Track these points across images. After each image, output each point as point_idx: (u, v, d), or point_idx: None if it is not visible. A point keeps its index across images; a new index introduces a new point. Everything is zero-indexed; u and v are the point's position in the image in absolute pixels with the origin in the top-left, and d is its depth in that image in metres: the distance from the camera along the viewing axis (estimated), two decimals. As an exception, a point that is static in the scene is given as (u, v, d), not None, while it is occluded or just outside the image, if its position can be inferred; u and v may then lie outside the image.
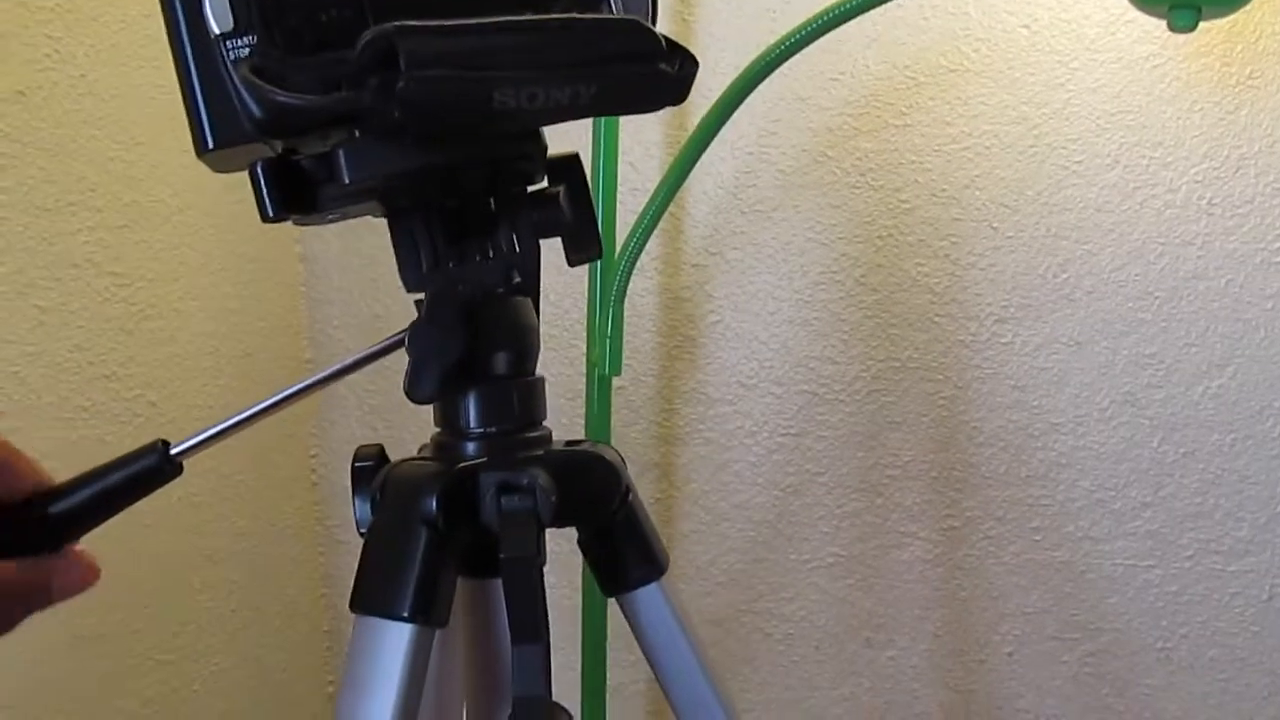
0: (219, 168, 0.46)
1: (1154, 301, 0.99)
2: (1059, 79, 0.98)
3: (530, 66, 0.41)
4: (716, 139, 0.92)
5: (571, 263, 0.51)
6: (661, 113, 1.05)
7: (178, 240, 1.02)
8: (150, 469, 0.47)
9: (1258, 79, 0.94)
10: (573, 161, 0.50)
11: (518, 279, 0.49)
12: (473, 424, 0.49)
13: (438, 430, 0.51)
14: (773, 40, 0.87)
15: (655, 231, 0.98)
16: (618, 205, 1.01)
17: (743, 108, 0.91)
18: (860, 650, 1.08)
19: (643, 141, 1.07)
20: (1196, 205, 0.97)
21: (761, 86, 0.90)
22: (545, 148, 0.49)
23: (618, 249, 0.97)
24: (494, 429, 0.49)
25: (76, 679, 0.94)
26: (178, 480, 1.07)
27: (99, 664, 0.96)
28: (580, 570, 1.01)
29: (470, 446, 0.49)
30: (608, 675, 1.03)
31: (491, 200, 0.49)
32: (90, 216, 0.94)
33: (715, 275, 1.07)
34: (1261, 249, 0.96)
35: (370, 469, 0.51)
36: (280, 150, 0.44)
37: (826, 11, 0.82)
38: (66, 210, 0.92)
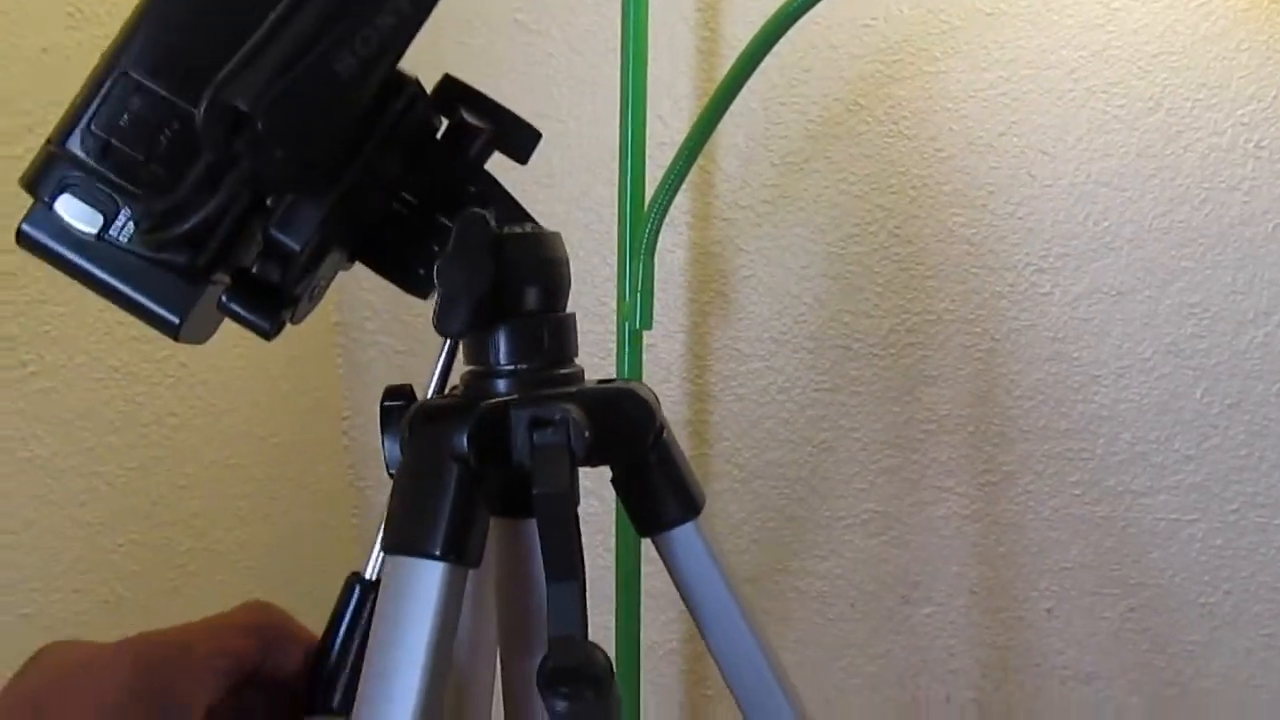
0: (199, 336, 0.46)
1: (1198, 249, 0.96)
2: (1098, 20, 0.95)
3: (342, 18, 0.40)
4: (746, 89, 0.90)
5: (521, 160, 0.49)
6: (690, 65, 1.03)
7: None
8: (360, 600, 0.49)
9: (1307, 15, 0.91)
10: (449, 83, 0.49)
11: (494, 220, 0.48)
12: (503, 360, 0.48)
13: (467, 370, 0.50)
14: (803, -17, 0.85)
15: (685, 185, 0.97)
16: (646, 159, 0.99)
17: (772, 57, 0.89)
18: (897, 607, 1.07)
19: (672, 95, 1.05)
20: (1243, 148, 0.94)
21: (791, 34, 0.87)
22: (416, 92, 0.47)
23: (647, 201, 0.95)
24: (524, 365, 0.48)
25: (106, 638, 0.94)
26: (211, 441, 1.07)
27: (131, 626, 0.96)
28: (612, 528, 1.00)
29: (501, 383, 0.48)
30: (643, 633, 1.02)
31: (441, 173, 0.48)
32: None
33: (746, 229, 1.05)
34: (1311, 192, 0.93)
35: (399, 408, 0.49)
36: (230, 277, 0.44)
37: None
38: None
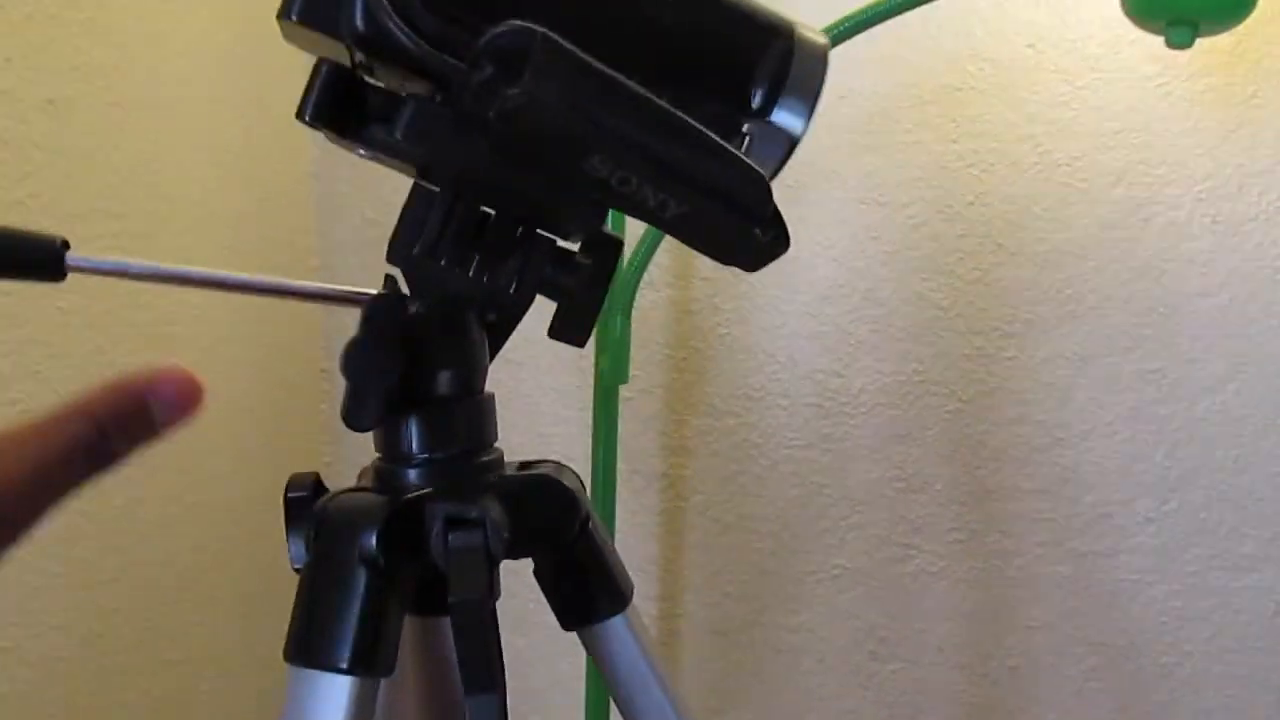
0: (290, 37, 0.42)
1: (1158, 317, 0.99)
2: (1063, 97, 1.00)
3: (639, 153, 0.39)
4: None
5: (552, 334, 0.47)
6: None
7: (200, 247, 1.05)
8: (39, 258, 0.41)
9: (1260, 98, 0.95)
10: (613, 244, 0.47)
11: (492, 317, 0.46)
12: (415, 449, 0.45)
13: (377, 457, 0.47)
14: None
15: (665, 245, 1.00)
16: (626, 220, 1.03)
17: (751, 123, 0.93)
18: (865, 663, 1.09)
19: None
20: (1200, 223, 0.98)
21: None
22: (604, 219, 0.47)
23: (625, 259, 0.98)
24: (439, 454, 0.45)
25: (86, 675, 0.95)
26: (196, 482, 1.08)
27: (108, 660, 0.97)
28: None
29: (413, 474, 0.45)
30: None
31: (519, 230, 0.46)
32: (114, 223, 0.96)
33: (724, 289, 1.08)
34: (1265, 266, 0.97)
35: (305, 499, 0.46)
36: (355, 63, 0.41)
37: (828, 29, 0.84)
38: (92, 216, 0.94)
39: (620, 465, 1.02)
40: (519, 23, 0.37)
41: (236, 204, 1.10)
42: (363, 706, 0.42)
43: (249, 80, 1.11)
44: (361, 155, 0.44)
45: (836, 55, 0.91)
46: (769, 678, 1.11)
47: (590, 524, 0.49)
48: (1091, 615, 1.03)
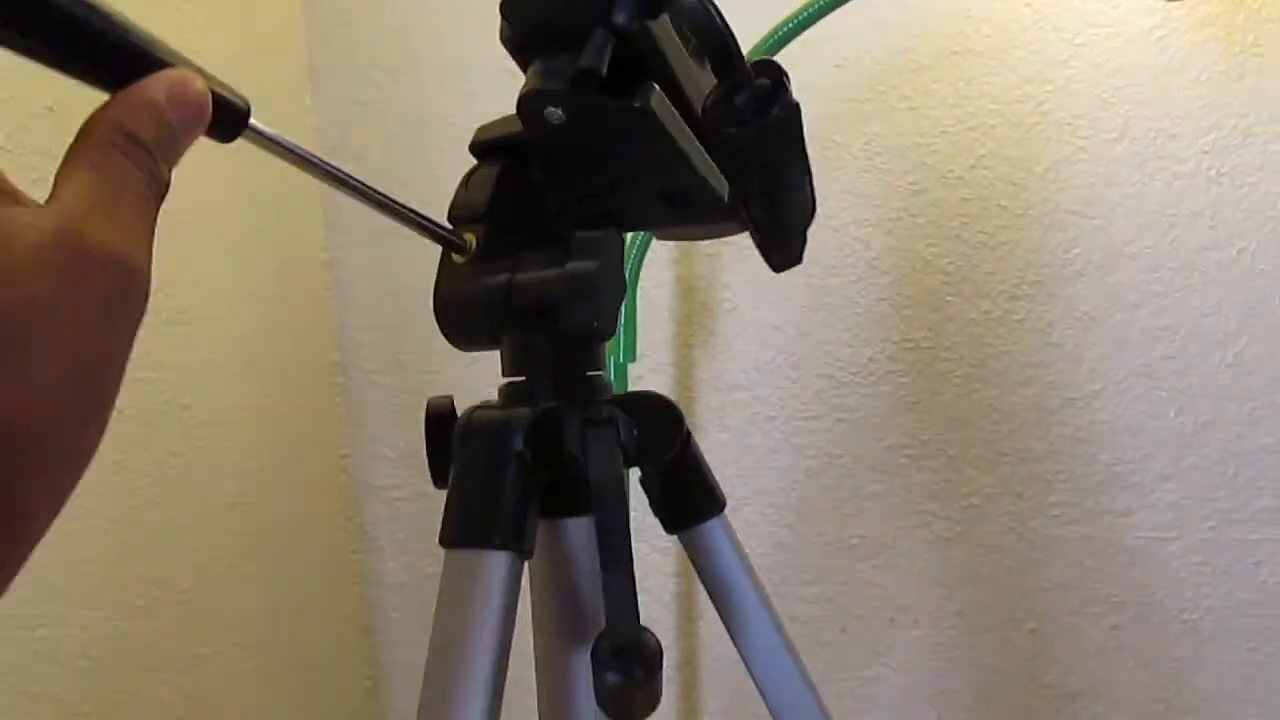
0: None
1: (1166, 273, 0.99)
2: (1062, 56, 0.99)
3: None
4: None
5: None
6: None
7: (204, 247, 1.06)
8: (223, 116, 0.39)
9: (1261, 47, 0.94)
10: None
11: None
12: (548, 369, 0.51)
13: (508, 381, 0.53)
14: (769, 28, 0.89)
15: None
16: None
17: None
18: (885, 631, 1.09)
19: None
20: (1205, 175, 0.97)
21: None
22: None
23: (628, 239, 0.99)
24: (569, 372, 0.52)
25: (117, 672, 0.97)
26: (212, 479, 1.09)
27: (138, 658, 0.99)
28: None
29: (546, 391, 0.51)
30: None
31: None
32: (120, 226, 0.97)
33: (729, 264, 1.08)
34: (1272, 217, 0.96)
35: (446, 417, 0.52)
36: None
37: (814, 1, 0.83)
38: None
39: (632, 444, 1.02)
40: (766, 59, 0.50)
41: (242, 198, 1.10)
42: (513, 581, 0.48)
43: (251, 77, 1.11)
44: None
45: (830, 24, 0.91)
46: (791, 649, 1.11)
47: (691, 438, 0.55)
48: (1110, 574, 1.03)
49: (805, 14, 0.84)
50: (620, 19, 0.44)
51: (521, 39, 0.48)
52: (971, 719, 1.08)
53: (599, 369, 0.53)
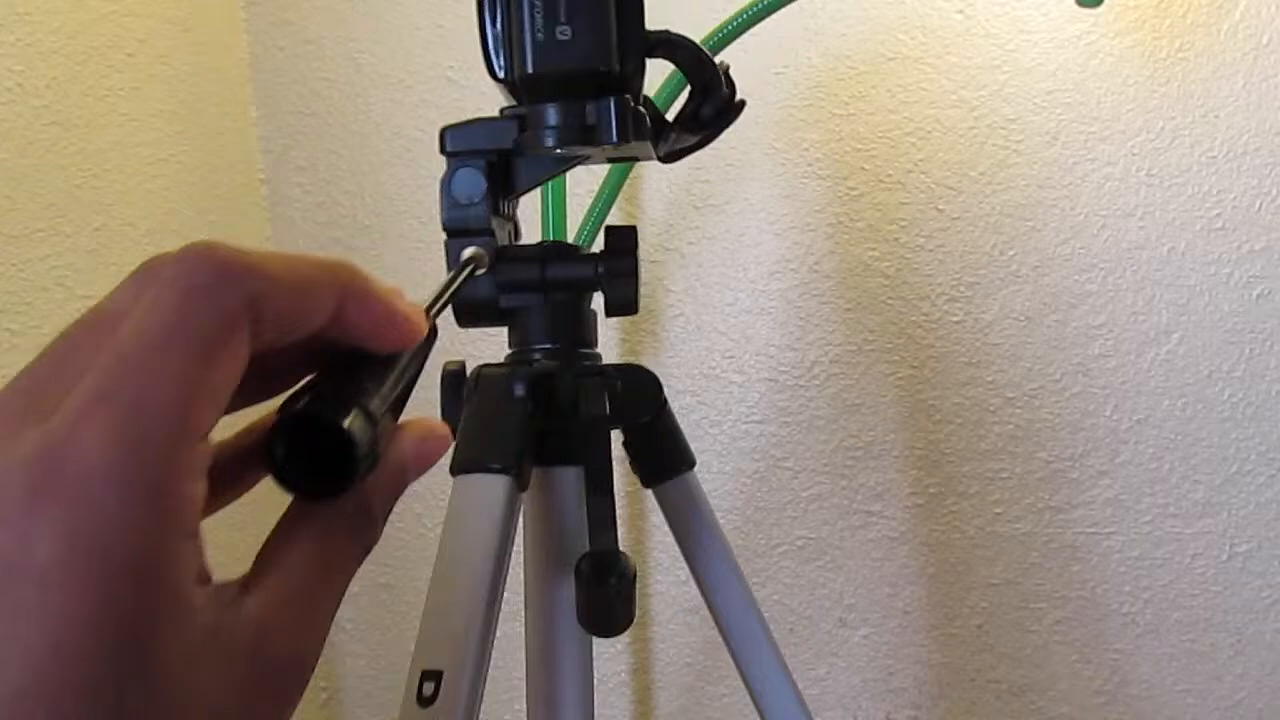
0: None
1: (1099, 273, 1.01)
2: (994, 61, 1.01)
3: None
4: (662, 136, 0.95)
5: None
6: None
7: (140, 255, 1.05)
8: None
9: (1187, 51, 0.96)
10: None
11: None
12: (547, 339, 0.60)
13: (512, 350, 0.61)
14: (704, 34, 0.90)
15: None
16: (567, 202, 1.04)
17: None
18: (834, 630, 1.10)
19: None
20: (1135, 177, 0.99)
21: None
22: None
23: (571, 241, 0.99)
24: (562, 343, 0.60)
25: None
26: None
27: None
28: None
29: (543, 356, 0.59)
30: (594, 665, 1.05)
31: None
32: (60, 242, 0.97)
33: (672, 270, 1.09)
34: (1200, 216, 0.98)
35: (458, 374, 0.60)
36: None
37: (753, 4, 0.85)
38: (35, 236, 0.95)
39: (579, 451, 1.03)
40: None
41: (186, 215, 1.10)
42: (512, 505, 0.55)
43: (192, 92, 1.11)
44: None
45: (769, 32, 0.93)
46: (742, 651, 1.12)
47: (667, 404, 0.63)
48: (1052, 570, 1.05)
49: (738, 20, 0.85)
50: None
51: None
52: (921, 715, 1.10)
53: (590, 342, 0.61)
